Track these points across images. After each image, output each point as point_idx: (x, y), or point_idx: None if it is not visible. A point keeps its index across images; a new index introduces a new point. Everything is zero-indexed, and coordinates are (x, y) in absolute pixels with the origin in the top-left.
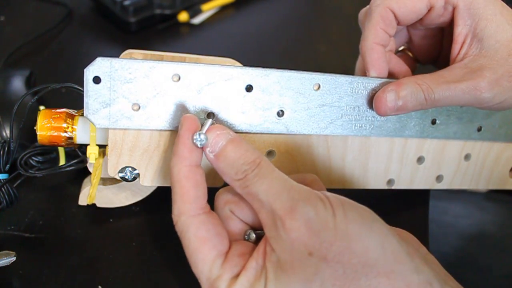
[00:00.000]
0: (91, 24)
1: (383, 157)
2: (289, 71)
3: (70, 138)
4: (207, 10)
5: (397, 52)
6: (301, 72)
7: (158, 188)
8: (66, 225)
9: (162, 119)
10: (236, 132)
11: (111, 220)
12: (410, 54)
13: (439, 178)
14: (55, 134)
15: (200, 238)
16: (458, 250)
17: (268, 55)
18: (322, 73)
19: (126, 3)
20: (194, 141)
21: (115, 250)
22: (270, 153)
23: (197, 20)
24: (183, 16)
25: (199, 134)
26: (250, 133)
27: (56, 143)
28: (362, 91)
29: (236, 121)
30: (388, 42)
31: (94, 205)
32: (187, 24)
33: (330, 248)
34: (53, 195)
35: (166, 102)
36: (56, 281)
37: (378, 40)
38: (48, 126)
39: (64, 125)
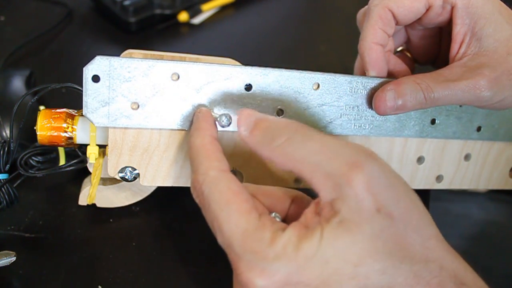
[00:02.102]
0: (91, 24)
1: (383, 157)
2: (288, 70)
3: (70, 138)
4: (207, 10)
5: (395, 52)
6: (301, 71)
7: (158, 188)
8: (66, 225)
9: (161, 118)
10: (236, 131)
11: (111, 220)
12: (408, 54)
13: (439, 178)
14: (55, 134)
15: (234, 190)
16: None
17: (268, 55)
18: (321, 73)
19: (126, 3)
20: (219, 120)
21: (115, 250)
22: None
23: (197, 20)
24: (183, 16)
25: (224, 115)
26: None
27: (56, 143)
28: (361, 91)
29: (236, 121)
30: (386, 42)
31: (94, 205)
32: (187, 24)
33: (397, 206)
34: (53, 195)
35: (165, 101)
36: (56, 281)
37: (377, 40)
38: (48, 126)
39: (64, 125)
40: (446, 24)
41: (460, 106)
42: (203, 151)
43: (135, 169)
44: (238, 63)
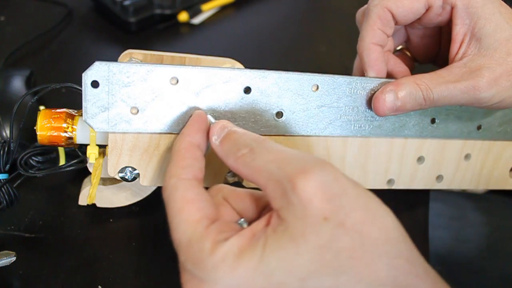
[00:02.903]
0: (91, 24)
1: (383, 157)
2: (287, 72)
3: (70, 138)
4: (207, 10)
5: (395, 51)
6: (299, 73)
7: (158, 188)
8: (66, 225)
9: (161, 122)
10: None
11: (111, 220)
12: (408, 53)
13: (439, 178)
14: (55, 134)
15: (187, 198)
16: (454, 252)
17: (268, 55)
18: (320, 74)
19: (126, 3)
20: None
21: (115, 250)
22: None
23: (197, 20)
24: (183, 16)
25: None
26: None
27: (56, 143)
28: (360, 92)
29: (235, 123)
30: (386, 42)
31: (94, 205)
32: (187, 24)
33: (349, 215)
34: (53, 195)
35: (165, 105)
36: (56, 281)
37: (376, 40)
38: (48, 126)
39: (64, 125)
40: (446, 24)
41: (460, 106)
42: (174, 156)
43: (135, 169)
44: (238, 64)
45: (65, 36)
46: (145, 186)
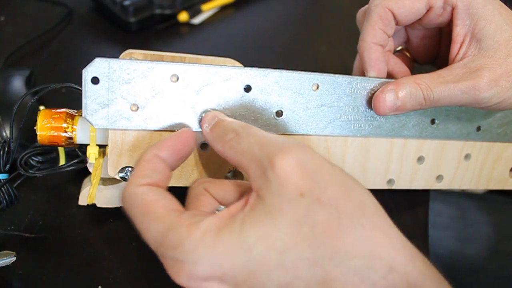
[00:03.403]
0: (91, 24)
1: (383, 157)
2: (287, 71)
3: (70, 138)
4: (207, 10)
5: (395, 52)
6: (300, 72)
7: None
8: (66, 225)
9: (160, 119)
10: None
11: (111, 220)
12: (408, 54)
13: (439, 178)
14: (55, 134)
15: (149, 200)
16: (454, 252)
17: (268, 55)
18: (320, 73)
19: (126, 3)
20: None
21: (115, 250)
22: None
23: (197, 20)
24: (183, 16)
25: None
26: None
27: (56, 143)
28: (361, 91)
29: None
30: (386, 42)
31: (94, 205)
32: (187, 24)
33: (325, 191)
34: (53, 195)
35: (165, 103)
36: (56, 281)
37: (377, 40)
38: (48, 126)
39: (64, 125)
40: (446, 24)
41: (460, 106)
42: (136, 166)
43: (133, 168)
44: (238, 63)
45: (65, 36)
46: None
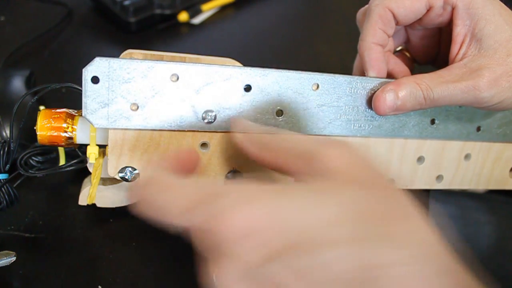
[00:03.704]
0: (91, 24)
1: (383, 157)
2: (288, 71)
3: (70, 138)
4: (207, 10)
5: (395, 52)
6: (300, 72)
7: None
8: (66, 225)
9: (160, 119)
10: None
11: (111, 220)
12: (407, 54)
13: (439, 178)
14: (55, 134)
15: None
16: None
17: (268, 55)
18: (321, 73)
19: (126, 3)
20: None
21: (115, 250)
22: None
23: (197, 20)
24: (183, 16)
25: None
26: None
27: (56, 143)
28: (361, 91)
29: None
30: (386, 42)
31: (94, 205)
32: (187, 24)
33: (373, 181)
34: (53, 195)
35: (165, 102)
36: (56, 281)
37: (377, 40)
38: (48, 126)
39: (64, 125)
40: (446, 24)
41: (460, 106)
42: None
43: (135, 169)
44: (238, 63)
45: (65, 36)
46: None
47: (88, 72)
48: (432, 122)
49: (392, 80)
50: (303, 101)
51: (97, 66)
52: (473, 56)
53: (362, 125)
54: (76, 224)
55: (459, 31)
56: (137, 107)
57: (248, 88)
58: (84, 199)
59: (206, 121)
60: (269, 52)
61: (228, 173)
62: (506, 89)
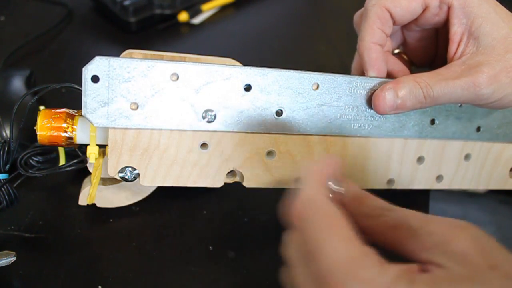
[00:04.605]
0: (91, 24)
1: (383, 157)
2: (287, 70)
3: (70, 138)
4: (207, 10)
5: (392, 54)
6: (300, 71)
7: (158, 188)
8: (66, 225)
9: (160, 118)
10: (235, 132)
11: (111, 220)
12: (405, 56)
13: (439, 178)
14: (55, 134)
15: (335, 214)
16: None
17: (268, 55)
18: (320, 73)
19: (126, 3)
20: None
21: (115, 250)
22: (270, 153)
23: (197, 20)
24: (183, 16)
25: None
26: (249, 132)
27: (56, 143)
28: (360, 91)
29: (235, 121)
30: (385, 42)
31: (94, 205)
32: (187, 24)
33: (510, 266)
34: (53, 195)
35: (165, 101)
36: (56, 281)
37: (376, 40)
38: (48, 126)
39: (64, 125)
40: (443, 24)
41: (460, 106)
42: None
43: (135, 169)
44: (237, 63)
45: (65, 36)
46: (145, 186)
47: (88, 71)
48: (432, 122)
49: (392, 80)
50: (303, 100)
51: (97, 65)
52: (471, 54)
53: (362, 125)
54: (76, 224)
55: (456, 30)
56: (137, 106)
57: (248, 88)
58: (84, 199)
59: (206, 120)
60: (269, 52)
61: (228, 173)
62: (506, 85)
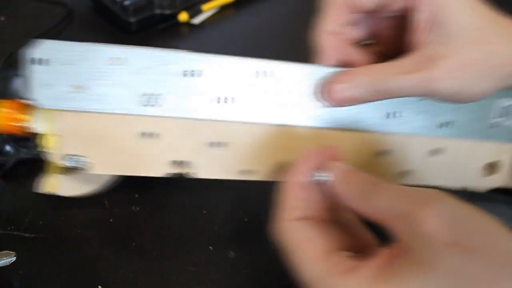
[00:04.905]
0: (91, 24)
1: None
2: (229, 56)
3: (26, 127)
4: (207, 10)
5: (362, 44)
6: (243, 58)
7: (158, 188)
8: (66, 225)
9: (102, 102)
10: (180, 119)
11: (111, 220)
12: (377, 48)
13: (406, 174)
14: (11, 123)
15: (301, 239)
16: None
17: (268, 55)
18: (272, 60)
19: (126, 3)
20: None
21: (115, 250)
22: (218, 143)
23: (197, 20)
24: (183, 16)
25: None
26: (195, 120)
27: (12, 132)
28: (315, 81)
29: (179, 108)
30: (344, 30)
31: (94, 205)
32: (187, 24)
33: (473, 240)
34: (53, 195)
35: (107, 85)
36: (56, 281)
37: (332, 28)
38: (3, 116)
39: (21, 115)
40: (409, 11)
41: (421, 99)
42: (280, 199)
43: (82, 156)
44: None
45: (65, 36)
46: (100, 175)
47: (31, 53)
48: (394, 115)
49: (346, 70)
50: (253, 88)
51: (41, 48)
52: (433, 44)
53: (317, 116)
54: (76, 224)
55: (420, 17)
56: (80, 89)
57: (191, 73)
58: (43, 187)
59: (147, 105)
60: (269, 51)
61: (176, 162)
62: (467, 79)
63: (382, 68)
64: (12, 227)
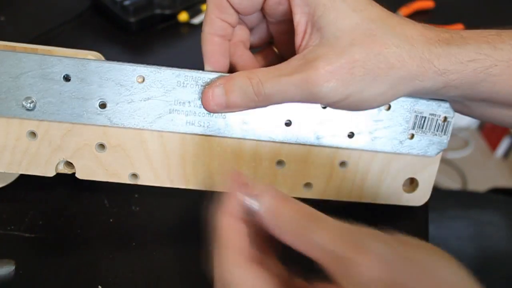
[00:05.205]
0: (91, 24)
1: (230, 158)
2: (108, 62)
3: None
4: None
5: (260, 48)
6: (122, 63)
7: (158, 188)
8: (66, 225)
9: None
10: (62, 122)
11: (111, 220)
12: (276, 51)
13: (307, 186)
14: None
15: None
16: (456, 252)
17: None
18: (145, 65)
19: (126, 3)
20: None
21: (115, 250)
22: (101, 146)
23: (197, 20)
24: (183, 16)
25: (30, 99)
26: (76, 123)
27: None
28: (193, 86)
29: (56, 111)
30: (227, 32)
31: (94, 205)
32: (187, 24)
33: (409, 277)
34: (53, 195)
35: None
36: (56, 281)
37: (214, 31)
38: None
39: None
40: (292, 15)
41: (324, 108)
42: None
43: None
44: (102, 57)
45: (65, 36)
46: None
47: None
48: (288, 123)
49: (226, 75)
50: (126, 93)
51: None
52: (313, 47)
53: (196, 122)
54: (76, 224)
55: (299, 20)
56: None
57: (67, 78)
58: None
59: (25, 108)
60: None
61: (65, 163)
62: (350, 82)
63: (263, 72)
64: (12, 227)
